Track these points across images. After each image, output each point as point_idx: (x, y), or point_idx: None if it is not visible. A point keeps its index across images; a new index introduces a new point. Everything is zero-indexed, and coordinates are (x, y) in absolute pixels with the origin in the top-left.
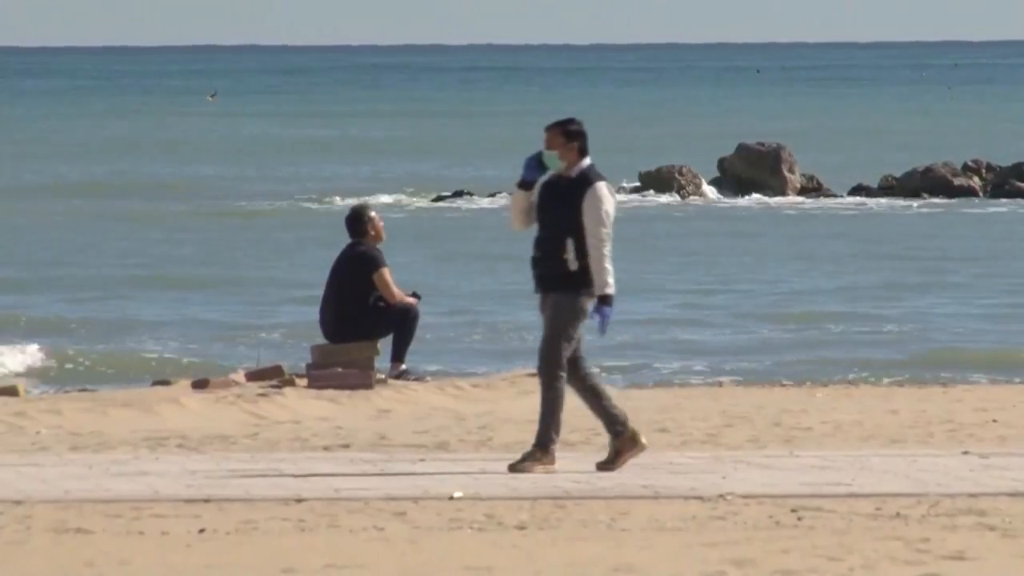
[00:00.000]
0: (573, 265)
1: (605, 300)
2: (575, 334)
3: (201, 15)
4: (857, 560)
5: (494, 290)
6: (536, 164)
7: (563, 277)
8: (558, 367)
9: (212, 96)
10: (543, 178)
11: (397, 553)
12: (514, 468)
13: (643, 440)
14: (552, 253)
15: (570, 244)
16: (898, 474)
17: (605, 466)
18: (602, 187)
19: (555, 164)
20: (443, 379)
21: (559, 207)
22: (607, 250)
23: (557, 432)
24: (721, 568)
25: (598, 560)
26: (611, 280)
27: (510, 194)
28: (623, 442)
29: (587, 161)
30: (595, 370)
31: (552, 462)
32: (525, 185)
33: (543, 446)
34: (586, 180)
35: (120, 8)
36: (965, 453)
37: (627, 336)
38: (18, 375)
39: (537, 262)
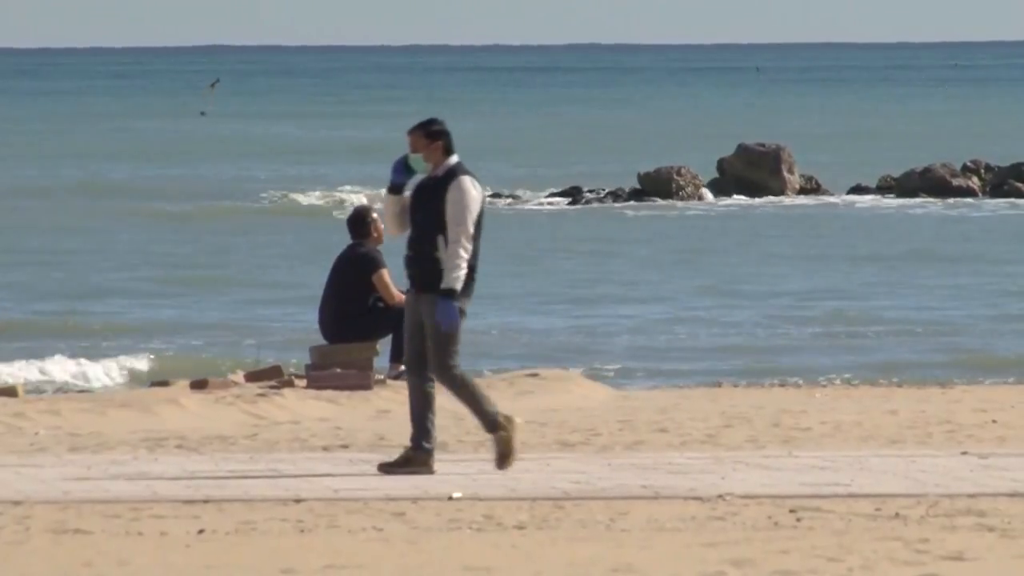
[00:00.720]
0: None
1: (448, 294)
2: (458, 332)
3: (201, 15)
4: (856, 560)
5: (493, 290)
6: (403, 168)
7: (436, 276)
8: (451, 369)
9: (212, 85)
10: (415, 180)
11: (396, 553)
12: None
13: (435, 468)
14: (424, 252)
15: (441, 243)
16: (897, 474)
17: (388, 468)
18: (466, 182)
19: (421, 166)
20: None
21: (429, 206)
22: (463, 247)
23: (493, 406)
24: (720, 568)
25: (597, 560)
26: (459, 275)
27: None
28: (418, 456)
29: (454, 159)
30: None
31: (513, 429)
32: (394, 189)
33: (493, 428)
34: (452, 176)
35: (120, 8)
36: (964, 453)
37: (627, 337)
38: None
39: (410, 261)
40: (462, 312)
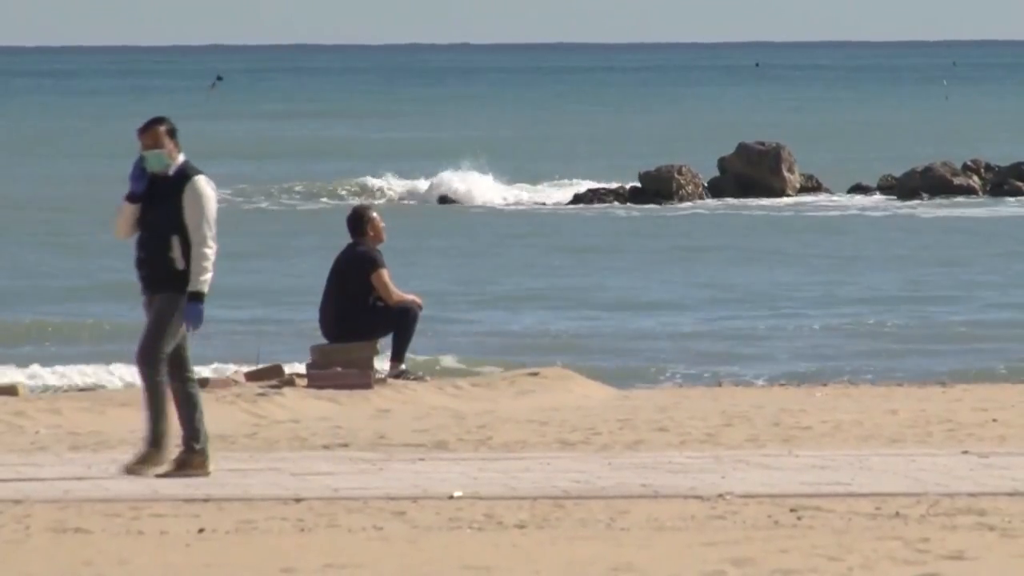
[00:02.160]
0: (179, 264)
1: (196, 297)
2: (178, 332)
3: (200, 14)
4: (856, 559)
5: (493, 289)
6: (141, 173)
7: (170, 276)
8: (158, 363)
9: (213, 85)
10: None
11: (396, 553)
12: (129, 470)
13: (210, 468)
14: (158, 253)
15: (176, 242)
16: (897, 473)
17: (165, 474)
18: (202, 181)
19: (163, 162)
20: (442, 378)
21: (162, 207)
22: (208, 248)
23: (167, 426)
24: (720, 567)
25: (597, 559)
26: (206, 278)
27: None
28: (192, 457)
29: (183, 157)
30: (195, 377)
31: (164, 461)
32: (135, 199)
33: (156, 444)
34: (185, 176)
35: (118, 7)
36: (964, 452)
37: (627, 335)
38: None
39: (142, 263)
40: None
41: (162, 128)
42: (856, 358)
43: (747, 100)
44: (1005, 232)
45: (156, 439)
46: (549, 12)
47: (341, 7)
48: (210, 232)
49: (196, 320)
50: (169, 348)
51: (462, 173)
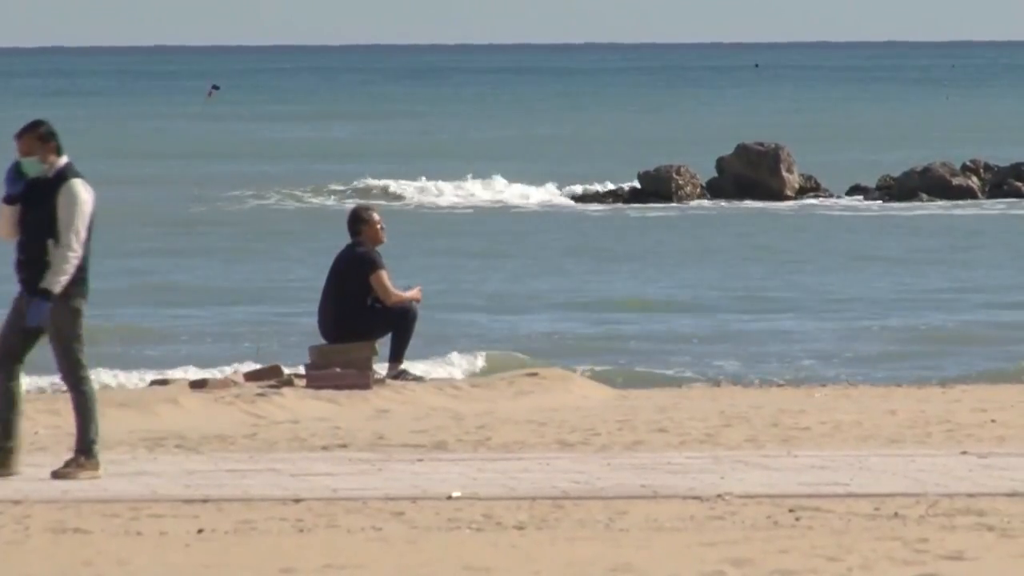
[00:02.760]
0: None
1: (43, 294)
2: (81, 332)
3: (207, 10)
4: (855, 560)
5: (492, 290)
6: (16, 175)
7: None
8: (81, 369)
9: (210, 93)
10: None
11: (395, 553)
12: (58, 475)
13: (16, 469)
14: (35, 255)
15: (51, 245)
16: (896, 474)
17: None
18: (76, 184)
19: (36, 169)
20: (441, 379)
21: (40, 209)
22: (72, 251)
23: (97, 433)
24: (719, 568)
25: (596, 560)
26: (61, 279)
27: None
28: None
29: (64, 160)
30: (23, 379)
31: (96, 467)
32: (11, 200)
33: (86, 451)
34: (63, 178)
35: (118, 8)
36: (963, 453)
37: (626, 336)
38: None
39: (21, 265)
40: (79, 311)
41: (36, 134)
42: (855, 358)
43: (747, 100)
44: (1004, 233)
45: (86, 446)
46: (549, 12)
47: (341, 7)
48: (76, 236)
49: (37, 317)
50: (82, 350)
51: (462, 174)
